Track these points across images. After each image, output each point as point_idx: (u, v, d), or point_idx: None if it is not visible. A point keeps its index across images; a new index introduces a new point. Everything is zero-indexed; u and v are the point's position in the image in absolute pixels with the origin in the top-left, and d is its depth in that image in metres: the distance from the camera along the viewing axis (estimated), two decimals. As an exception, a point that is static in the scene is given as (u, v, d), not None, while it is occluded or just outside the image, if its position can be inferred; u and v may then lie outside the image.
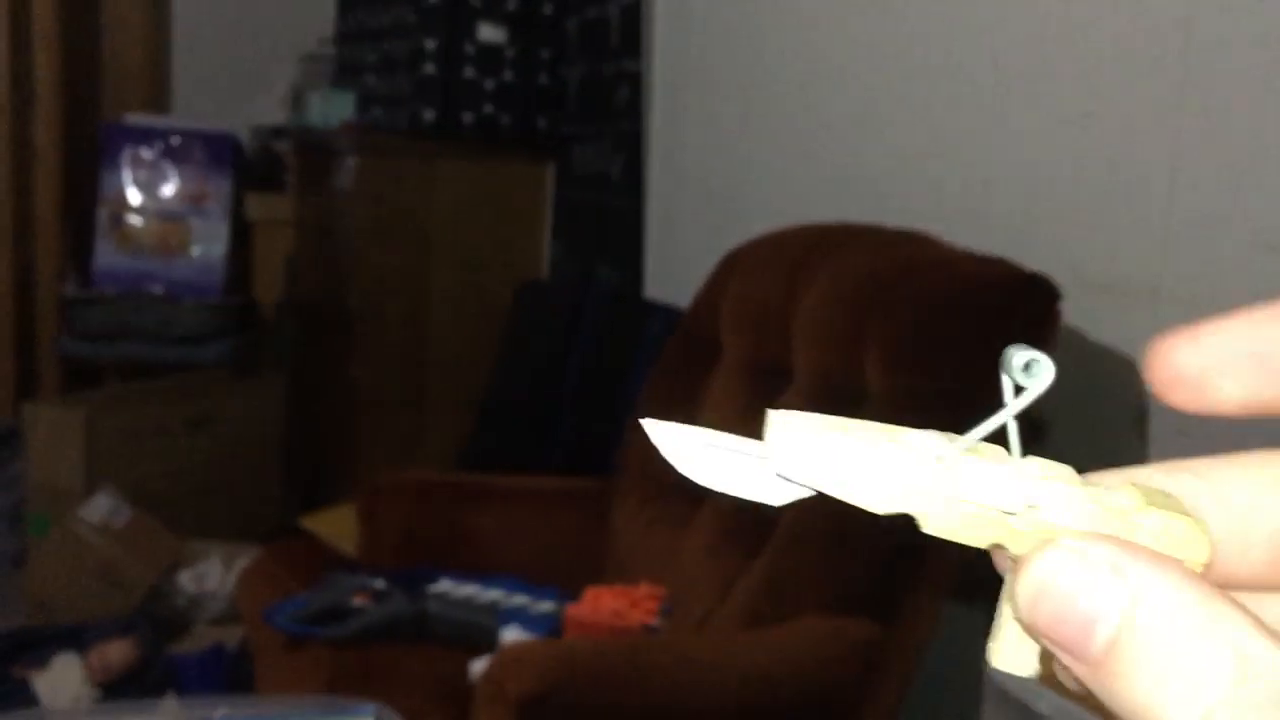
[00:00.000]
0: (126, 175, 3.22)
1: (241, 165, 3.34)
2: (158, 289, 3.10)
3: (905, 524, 0.26)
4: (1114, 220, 1.69)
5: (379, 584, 1.72)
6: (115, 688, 2.13)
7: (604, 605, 1.66)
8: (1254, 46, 1.49)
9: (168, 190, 3.24)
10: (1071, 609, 0.23)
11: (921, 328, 1.69)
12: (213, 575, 2.41)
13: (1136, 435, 1.66)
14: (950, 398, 1.63)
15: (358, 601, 1.69)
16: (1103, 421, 1.72)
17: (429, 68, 2.87)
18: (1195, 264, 1.58)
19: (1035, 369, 0.26)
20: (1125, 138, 1.67)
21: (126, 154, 3.22)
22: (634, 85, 2.71)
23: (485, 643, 1.58)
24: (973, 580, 1.66)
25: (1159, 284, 1.64)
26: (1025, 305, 1.65)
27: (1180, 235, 1.60)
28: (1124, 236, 1.68)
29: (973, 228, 1.85)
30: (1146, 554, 0.23)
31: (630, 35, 2.71)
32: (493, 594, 1.70)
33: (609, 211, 2.86)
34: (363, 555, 1.94)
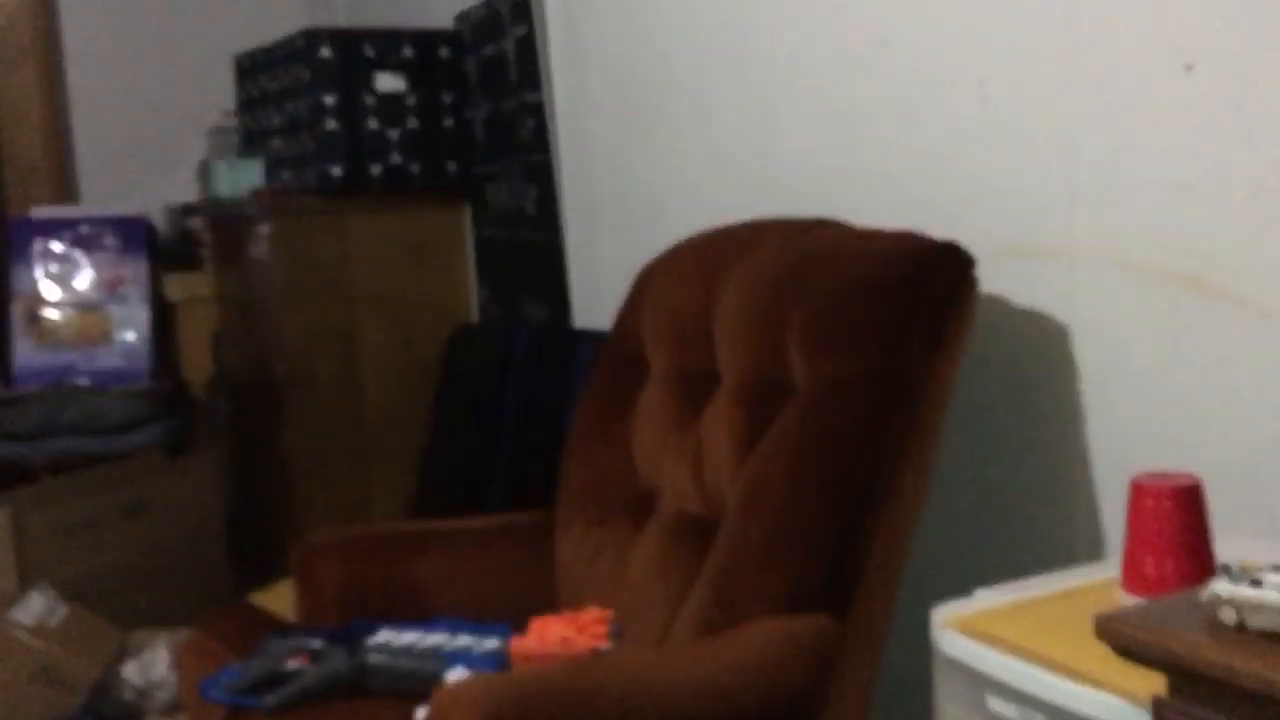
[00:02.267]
0: (39, 269, 3.16)
1: (156, 246, 3.28)
2: (82, 381, 3.03)
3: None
4: (1021, 183, 1.67)
5: (315, 643, 1.66)
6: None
7: (550, 634, 1.61)
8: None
9: (83, 280, 3.19)
10: None
11: (835, 312, 1.65)
12: (159, 665, 2.33)
13: (1063, 396, 1.63)
14: (877, 377, 1.59)
15: (294, 664, 1.63)
16: (1029, 385, 1.69)
17: (330, 124, 2.84)
18: (1106, 215, 1.56)
19: None
20: (1021, 100, 1.65)
21: (37, 248, 3.16)
22: (538, 117, 2.69)
23: (429, 689, 1.52)
24: (920, 566, 1.62)
25: (1073, 241, 1.61)
26: (939, 275, 1.62)
27: (1088, 188, 1.58)
28: (1033, 198, 1.66)
29: (884, 207, 1.82)
30: None
31: (528, 68, 2.69)
32: (435, 638, 1.64)
33: (528, 246, 2.83)
34: (302, 616, 1.87)
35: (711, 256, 1.95)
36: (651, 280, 2.04)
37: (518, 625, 1.68)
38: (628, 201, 2.54)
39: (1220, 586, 0.85)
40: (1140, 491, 1.13)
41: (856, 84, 1.93)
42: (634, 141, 2.49)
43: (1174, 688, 0.86)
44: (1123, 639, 0.86)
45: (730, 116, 2.21)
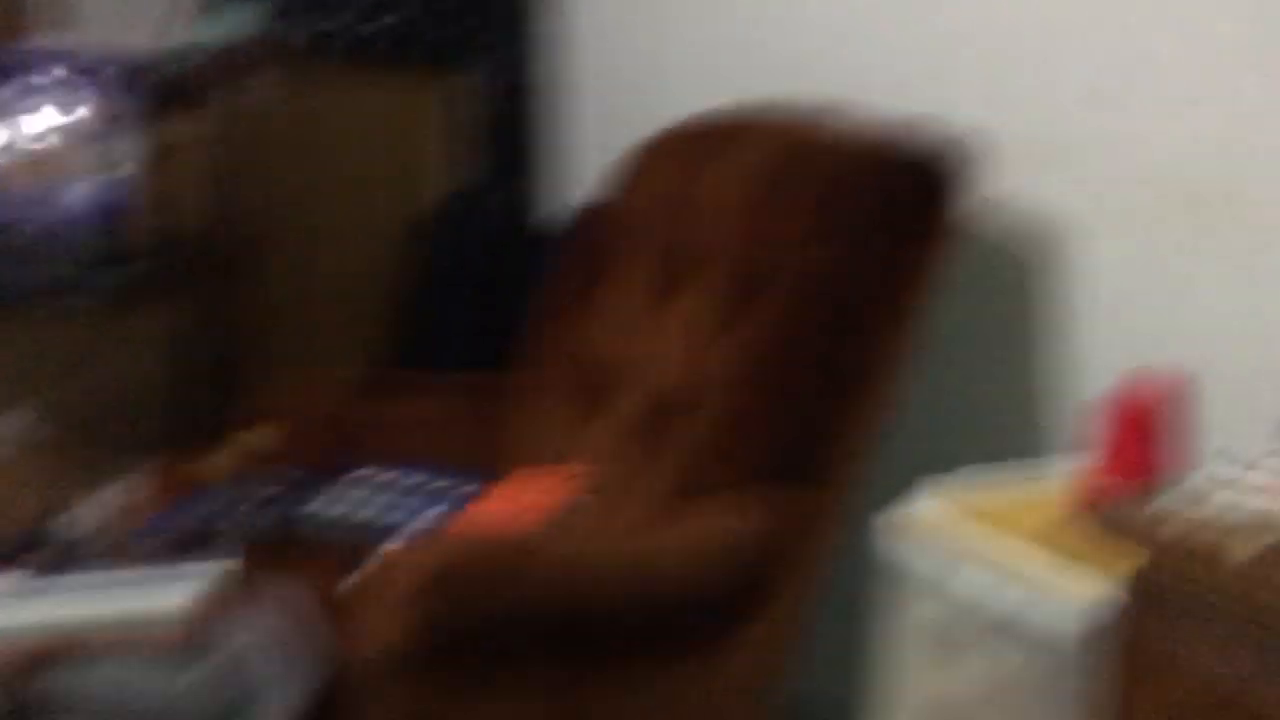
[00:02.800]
0: (22, 102, 3.04)
1: (136, 89, 3.16)
2: (29, 227, 2.93)
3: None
4: (1040, 80, 1.62)
5: (257, 486, 1.61)
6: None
7: (514, 496, 1.59)
8: None
9: (65, 116, 3.07)
10: None
11: (827, 198, 1.64)
12: (95, 514, 2.27)
13: (1059, 298, 1.59)
14: (860, 264, 1.58)
15: (225, 521, 1.58)
16: (1027, 286, 1.65)
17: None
18: (1121, 120, 1.51)
19: None
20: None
21: (23, 79, 3.04)
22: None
23: (373, 536, 1.50)
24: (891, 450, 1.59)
25: (1085, 144, 1.56)
26: (934, 169, 1.60)
27: (1107, 90, 1.52)
28: (1049, 97, 1.60)
29: (897, 97, 1.76)
30: None
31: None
32: (412, 481, 1.61)
33: (508, 125, 2.77)
34: (277, 458, 1.88)
35: (708, 139, 1.92)
36: (643, 157, 2.01)
37: (498, 475, 1.71)
38: (621, 77, 2.47)
39: (1218, 469, 0.81)
40: (1127, 386, 1.09)
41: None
42: (633, 23, 2.41)
43: (1158, 563, 0.82)
44: (1111, 517, 0.81)
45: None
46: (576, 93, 2.61)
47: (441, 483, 1.65)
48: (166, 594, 0.94)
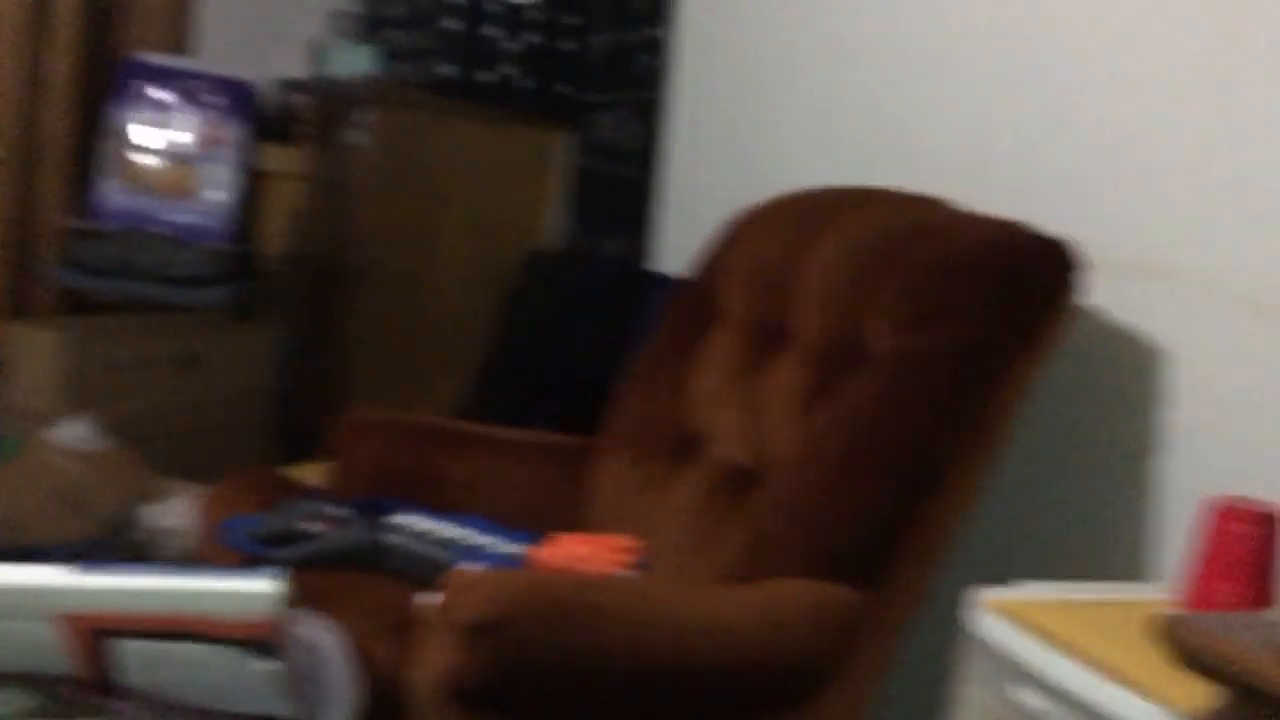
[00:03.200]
0: (140, 113, 3.16)
1: (258, 115, 3.28)
2: (162, 230, 3.04)
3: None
4: (1142, 197, 1.61)
5: (339, 511, 1.64)
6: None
7: (574, 550, 1.58)
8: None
9: (180, 132, 3.19)
10: None
11: (932, 287, 1.60)
12: (177, 513, 2.33)
13: (1146, 423, 1.57)
14: (958, 357, 1.53)
15: (315, 527, 1.61)
16: (1114, 399, 1.63)
17: (452, 23, 2.81)
18: (1221, 243, 1.49)
19: None
20: (1159, 113, 1.58)
21: (142, 92, 3.17)
22: (659, 53, 2.64)
23: (437, 577, 1.50)
24: (962, 555, 1.57)
25: (1183, 264, 1.55)
26: (1042, 266, 1.56)
27: (1210, 213, 1.52)
28: (1152, 215, 1.59)
29: (991, 197, 1.76)
30: None
31: (658, 2, 2.65)
32: (455, 531, 1.61)
33: (623, 181, 2.79)
34: (334, 488, 1.86)
35: (810, 212, 1.90)
36: (743, 226, 2.00)
37: (543, 538, 1.66)
38: (732, 154, 2.49)
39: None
40: (1219, 512, 1.08)
41: (997, 72, 1.86)
42: (751, 95, 2.44)
43: (1236, 706, 0.81)
44: (1190, 644, 0.80)
45: (857, 85, 2.16)
46: (691, 158, 2.64)
47: (486, 539, 1.62)
48: (250, 582, 0.97)
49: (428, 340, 2.94)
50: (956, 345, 1.53)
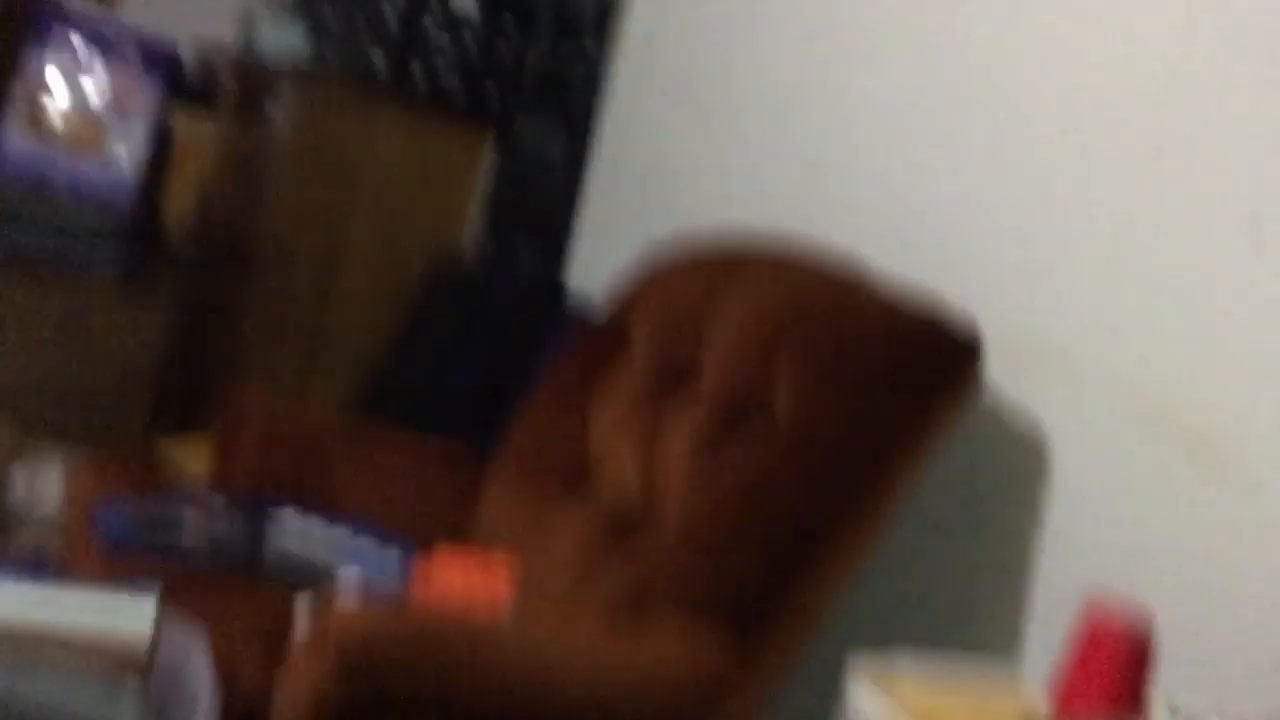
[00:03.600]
0: (53, 61, 3.06)
1: (177, 79, 3.19)
2: (61, 183, 2.94)
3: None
4: (1050, 292, 1.65)
5: (216, 503, 1.60)
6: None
7: (455, 567, 1.56)
8: (1219, 133, 1.46)
9: (93, 86, 3.09)
10: None
11: (837, 360, 1.64)
12: (50, 478, 2.25)
13: (1030, 505, 1.61)
14: (854, 432, 1.57)
15: (190, 519, 1.57)
16: (1000, 485, 1.67)
17: (389, 11, 2.78)
18: (1122, 347, 1.54)
19: None
20: (1078, 211, 1.63)
21: (60, 39, 3.06)
22: (594, 71, 2.64)
23: (319, 579, 1.47)
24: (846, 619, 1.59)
25: (1082, 363, 1.59)
26: (947, 353, 1.61)
27: (1114, 317, 1.57)
28: (1056, 310, 1.64)
29: (901, 261, 1.80)
30: None
31: (602, 21, 2.65)
32: (339, 534, 1.59)
33: (543, 194, 2.78)
34: (214, 475, 1.82)
35: (728, 259, 1.93)
36: (660, 265, 2.02)
37: (423, 547, 1.64)
38: (656, 181, 2.50)
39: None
40: (1091, 613, 1.11)
41: (923, 139, 1.90)
42: (683, 125, 2.45)
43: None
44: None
45: (784, 130, 2.19)
46: (613, 178, 2.64)
47: (366, 541, 1.60)
48: (128, 615, 0.94)
49: (327, 331, 2.89)
50: (852, 419, 1.57)
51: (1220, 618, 1.30)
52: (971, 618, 1.65)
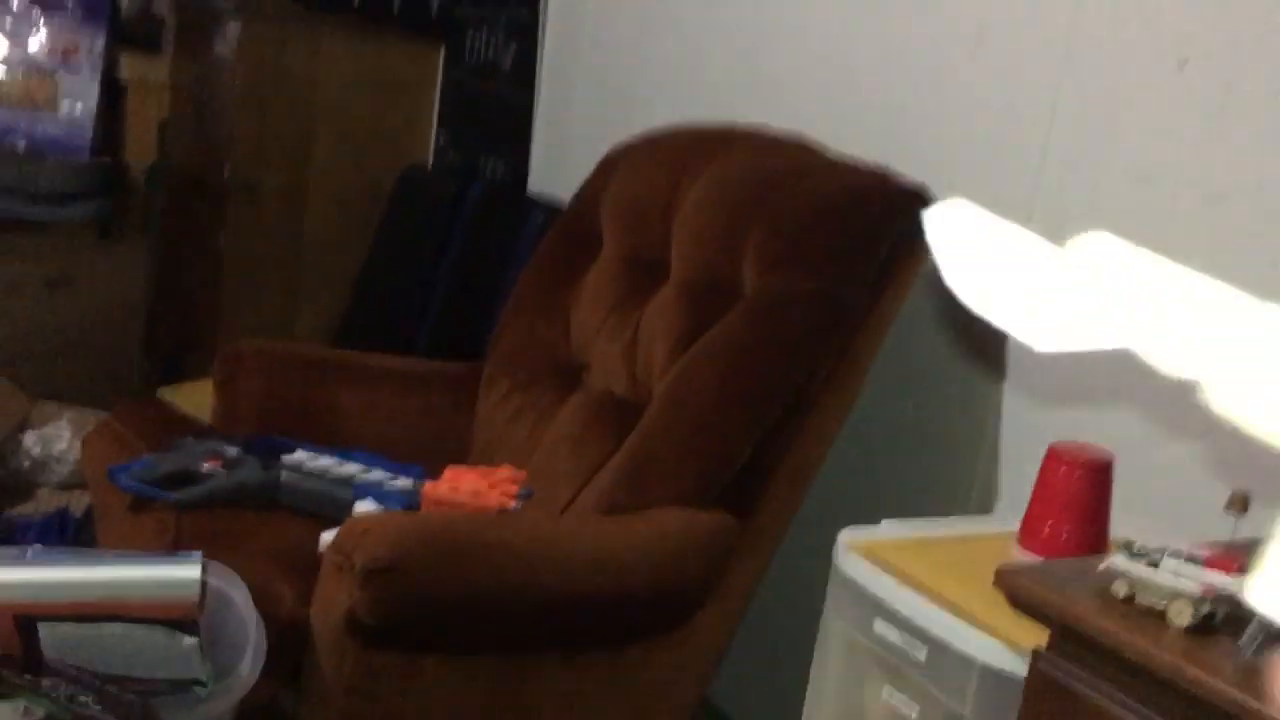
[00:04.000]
0: (-8, 21, 3.04)
1: (117, 22, 3.17)
2: (20, 144, 2.95)
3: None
4: (996, 145, 1.71)
5: (231, 450, 1.68)
6: (-50, 546, 2.05)
7: (463, 485, 1.65)
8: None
9: (36, 42, 3.07)
10: None
11: (797, 230, 1.70)
12: (61, 439, 2.33)
13: (994, 357, 1.70)
14: (821, 298, 1.64)
15: (208, 466, 1.65)
16: (965, 337, 1.75)
17: (322, -66, 2.76)
18: (1069, 192, 1.61)
19: None
20: (1013, 63, 1.68)
21: (-7, -2, 3.03)
22: (533, -28, 2.65)
23: (338, 515, 1.56)
24: (831, 474, 1.69)
25: (1032, 209, 1.66)
26: (899, 214, 1.66)
27: (1056, 162, 1.63)
28: (1003, 162, 1.70)
29: (854, 137, 1.85)
30: None
31: (533, -80, 2.64)
32: (349, 468, 1.67)
33: (498, 101, 2.80)
34: (218, 424, 1.89)
35: (684, 151, 1.96)
36: (621, 162, 2.05)
37: (431, 471, 1.73)
38: (607, 77, 2.53)
39: (1119, 561, 0.92)
40: (1054, 458, 1.20)
41: (858, 11, 1.93)
42: (626, 20, 2.47)
43: (1058, 645, 0.94)
44: (1020, 591, 0.93)
45: (726, 16, 2.21)
46: (563, 81, 2.66)
47: (377, 474, 1.68)
48: (172, 569, 1.03)
49: (302, 257, 2.94)
50: (816, 288, 1.62)
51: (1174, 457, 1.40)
52: (953, 470, 1.75)
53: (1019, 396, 1.65)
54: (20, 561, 1.01)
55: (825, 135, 1.85)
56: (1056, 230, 1.60)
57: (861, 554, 1.24)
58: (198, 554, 1.08)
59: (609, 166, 2.07)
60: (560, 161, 2.65)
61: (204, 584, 1.07)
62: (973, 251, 0.77)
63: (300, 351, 2.12)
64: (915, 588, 1.16)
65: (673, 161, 1.96)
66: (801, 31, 2.05)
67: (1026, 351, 1.63)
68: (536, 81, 2.68)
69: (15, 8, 3.04)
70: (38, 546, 1.05)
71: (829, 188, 1.73)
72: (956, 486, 1.71)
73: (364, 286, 2.94)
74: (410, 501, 1.63)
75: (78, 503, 2.23)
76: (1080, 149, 1.59)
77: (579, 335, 1.97)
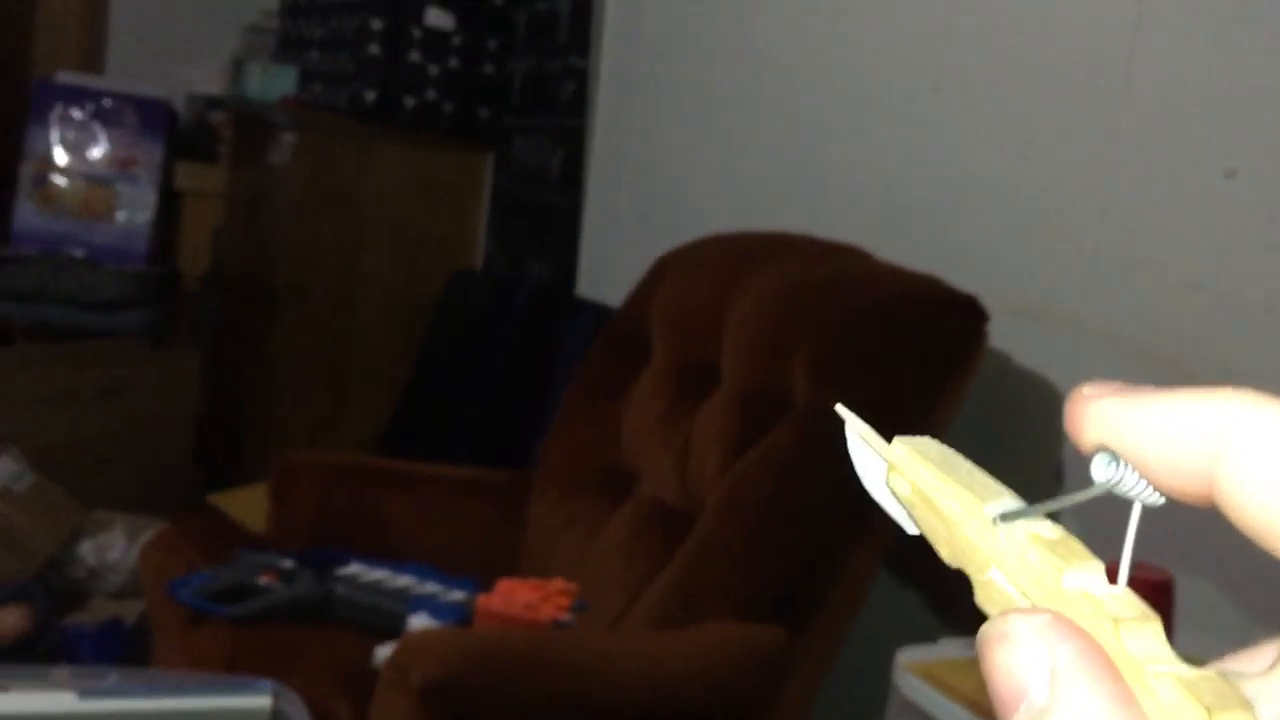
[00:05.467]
0: (54, 135, 3.14)
1: (174, 133, 3.27)
2: (79, 253, 3.03)
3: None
4: (1045, 248, 1.72)
5: (287, 564, 1.69)
6: (5, 655, 2.07)
7: (516, 598, 1.65)
8: (1192, 85, 1.53)
9: (96, 153, 3.17)
10: (1007, 678, 0.24)
11: (848, 341, 1.70)
12: (115, 547, 2.35)
13: (1051, 462, 1.69)
14: (872, 410, 1.63)
15: (264, 580, 1.66)
16: (1020, 447, 1.74)
17: (373, 48, 2.84)
18: (1120, 298, 1.61)
19: (1115, 469, 0.26)
20: (1061, 169, 1.70)
21: (56, 113, 3.14)
22: (579, 82, 2.71)
23: (392, 629, 1.56)
24: (888, 585, 1.68)
25: (1082, 317, 1.67)
26: (952, 324, 1.67)
27: (1106, 270, 1.63)
28: (1052, 265, 1.71)
29: (904, 244, 1.87)
30: (1077, 639, 0.23)
31: (579, 32, 2.71)
32: (403, 580, 1.68)
33: (545, 206, 2.85)
34: (272, 534, 1.90)
35: (733, 258, 1.98)
36: (670, 268, 2.08)
37: (483, 582, 1.73)
38: (653, 184, 2.57)
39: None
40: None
41: (903, 123, 1.96)
42: (670, 127, 2.52)
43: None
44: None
45: (771, 124, 2.25)
46: (610, 187, 2.71)
47: (431, 587, 1.68)
48: (240, 699, 1.04)
49: (351, 361, 2.98)
50: (869, 401, 1.62)
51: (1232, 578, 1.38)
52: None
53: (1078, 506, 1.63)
54: (101, 688, 1.02)
55: (874, 242, 1.87)
56: (1110, 336, 1.62)
57: (921, 675, 1.22)
58: (266, 682, 1.08)
59: (658, 273, 2.09)
60: (607, 265, 2.68)
61: (274, 713, 1.08)
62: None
63: (353, 461, 2.14)
64: (979, 713, 1.15)
65: (722, 269, 1.98)
66: (848, 138, 2.08)
67: (1083, 460, 1.63)
68: (583, 187, 2.73)
69: (78, 119, 3.14)
70: (114, 676, 1.06)
71: (879, 296, 1.74)
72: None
73: (412, 389, 2.97)
74: (464, 615, 1.63)
75: (130, 611, 2.24)
76: (1130, 256, 1.60)
77: (629, 442, 1.98)
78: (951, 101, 1.88)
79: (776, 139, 2.24)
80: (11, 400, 2.60)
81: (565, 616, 1.63)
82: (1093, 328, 1.65)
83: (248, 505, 2.31)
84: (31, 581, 2.24)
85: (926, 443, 0.27)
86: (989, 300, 1.67)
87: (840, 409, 0.29)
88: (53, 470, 2.53)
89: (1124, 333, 1.60)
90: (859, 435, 0.28)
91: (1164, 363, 1.54)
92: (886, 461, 0.27)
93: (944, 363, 1.66)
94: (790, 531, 1.62)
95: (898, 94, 1.97)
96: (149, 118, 3.20)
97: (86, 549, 2.35)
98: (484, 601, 1.64)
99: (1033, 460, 1.72)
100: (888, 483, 0.27)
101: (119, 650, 2.16)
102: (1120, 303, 1.61)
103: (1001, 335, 1.70)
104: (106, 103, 3.16)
